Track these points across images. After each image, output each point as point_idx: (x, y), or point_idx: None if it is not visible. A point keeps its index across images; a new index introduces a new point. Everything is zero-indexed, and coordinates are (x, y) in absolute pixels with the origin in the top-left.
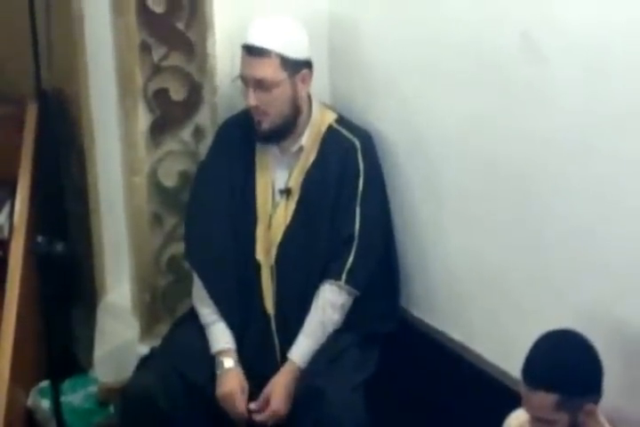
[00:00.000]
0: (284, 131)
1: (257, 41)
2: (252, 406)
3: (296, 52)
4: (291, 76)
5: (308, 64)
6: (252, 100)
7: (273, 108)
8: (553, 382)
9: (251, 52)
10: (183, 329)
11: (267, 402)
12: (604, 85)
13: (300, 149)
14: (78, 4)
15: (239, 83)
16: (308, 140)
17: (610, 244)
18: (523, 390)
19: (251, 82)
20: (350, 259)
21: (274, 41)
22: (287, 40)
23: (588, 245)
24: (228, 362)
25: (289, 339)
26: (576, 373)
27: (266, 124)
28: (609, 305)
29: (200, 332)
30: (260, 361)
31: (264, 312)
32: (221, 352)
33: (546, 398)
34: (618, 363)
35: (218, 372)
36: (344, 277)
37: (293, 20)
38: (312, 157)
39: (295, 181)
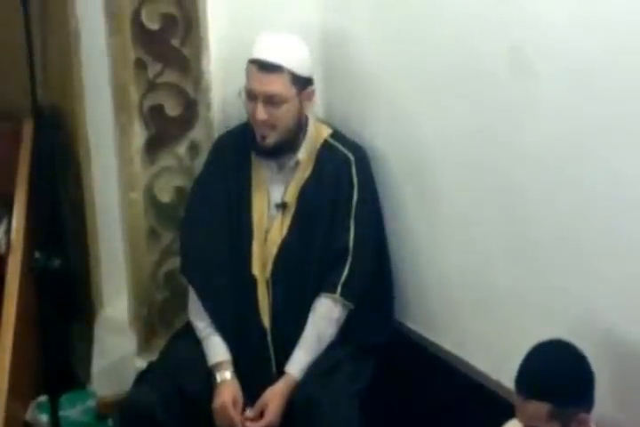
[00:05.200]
0: (286, 146)
1: (269, 56)
2: (248, 413)
3: (304, 69)
4: (298, 93)
5: (312, 82)
6: (262, 114)
7: (280, 123)
8: (546, 392)
9: (263, 67)
10: (180, 343)
11: (261, 412)
12: (593, 98)
13: (297, 163)
14: (74, 21)
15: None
16: (305, 154)
17: (599, 254)
18: (516, 399)
19: (260, 97)
20: (345, 272)
21: (286, 57)
22: (297, 57)
23: (577, 257)
24: (225, 374)
25: (285, 352)
26: (568, 382)
27: (270, 140)
28: (599, 315)
29: (197, 346)
30: (256, 374)
31: (260, 326)
32: (218, 365)
33: (539, 408)
34: (608, 372)
35: (215, 384)
36: (339, 289)
37: (298, 38)
38: (308, 172)
39: (291, 196)
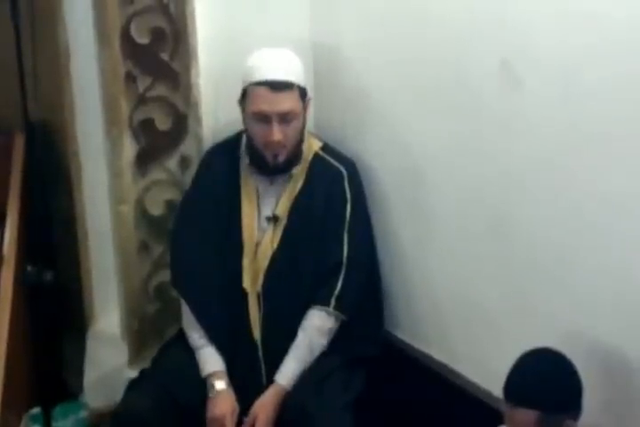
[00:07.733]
0: (295, 159)
1: (278, 75)
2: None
3: (304, 81)
4: (303, 106)
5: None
6: (278, 134)
7: (291, 139)
8: (534, 399)
9: (274, 87)
10: (173, 351)
11: (253, 424)
12: (582, 111)
13: (290, 177)
14: (64, 36)
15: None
16: (298, 167)
17: (585, 267)
18: (505, 407)
19: (275, 117)
20: (339, 285)
21: (293, 73)
22: (299, 70)
23: (564, 269)
24: (220, 384)
25: (275, 365)
26: (556, 390)
27: (282, 157)
28: (585, 325)
29: (189, 354)
30: (246, 387)
31: (251, 339)
32: (212, 375)
33: (527, 415)
34: (595, 380)
35: (210, 395)
36: (333, 303)
37: (290, 50)
38: (299, 185)
39: (282, 209)
